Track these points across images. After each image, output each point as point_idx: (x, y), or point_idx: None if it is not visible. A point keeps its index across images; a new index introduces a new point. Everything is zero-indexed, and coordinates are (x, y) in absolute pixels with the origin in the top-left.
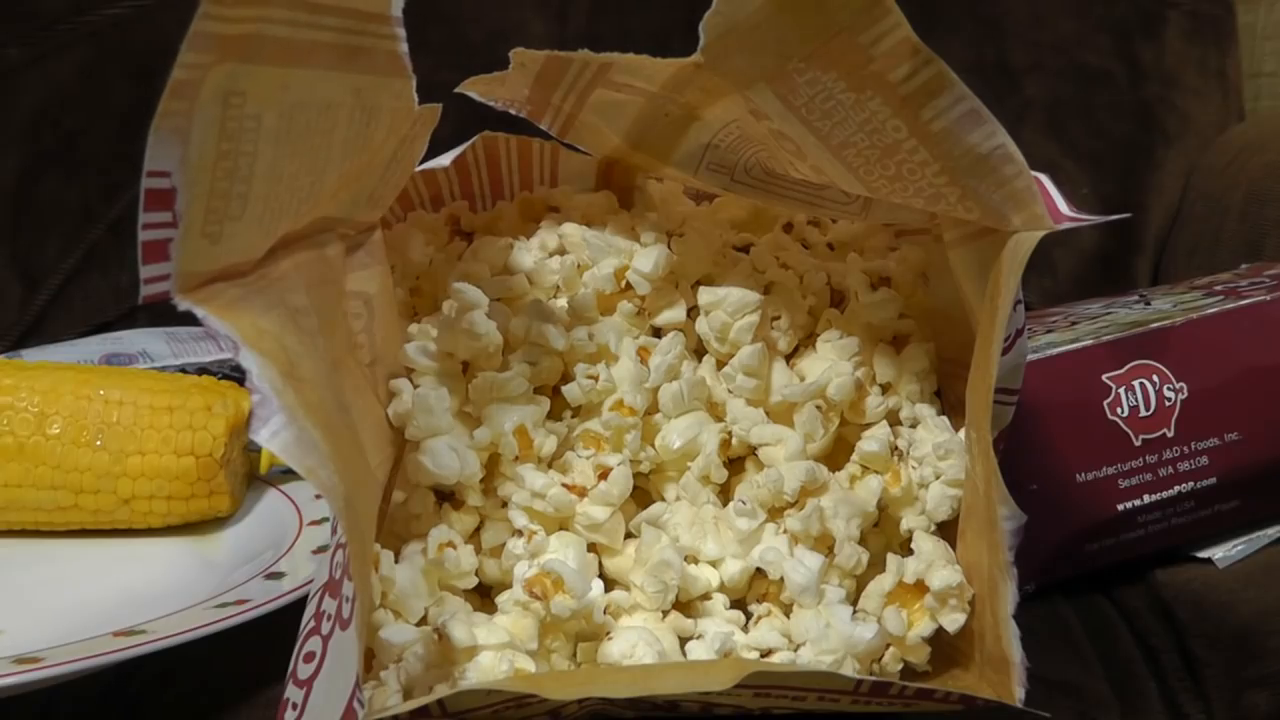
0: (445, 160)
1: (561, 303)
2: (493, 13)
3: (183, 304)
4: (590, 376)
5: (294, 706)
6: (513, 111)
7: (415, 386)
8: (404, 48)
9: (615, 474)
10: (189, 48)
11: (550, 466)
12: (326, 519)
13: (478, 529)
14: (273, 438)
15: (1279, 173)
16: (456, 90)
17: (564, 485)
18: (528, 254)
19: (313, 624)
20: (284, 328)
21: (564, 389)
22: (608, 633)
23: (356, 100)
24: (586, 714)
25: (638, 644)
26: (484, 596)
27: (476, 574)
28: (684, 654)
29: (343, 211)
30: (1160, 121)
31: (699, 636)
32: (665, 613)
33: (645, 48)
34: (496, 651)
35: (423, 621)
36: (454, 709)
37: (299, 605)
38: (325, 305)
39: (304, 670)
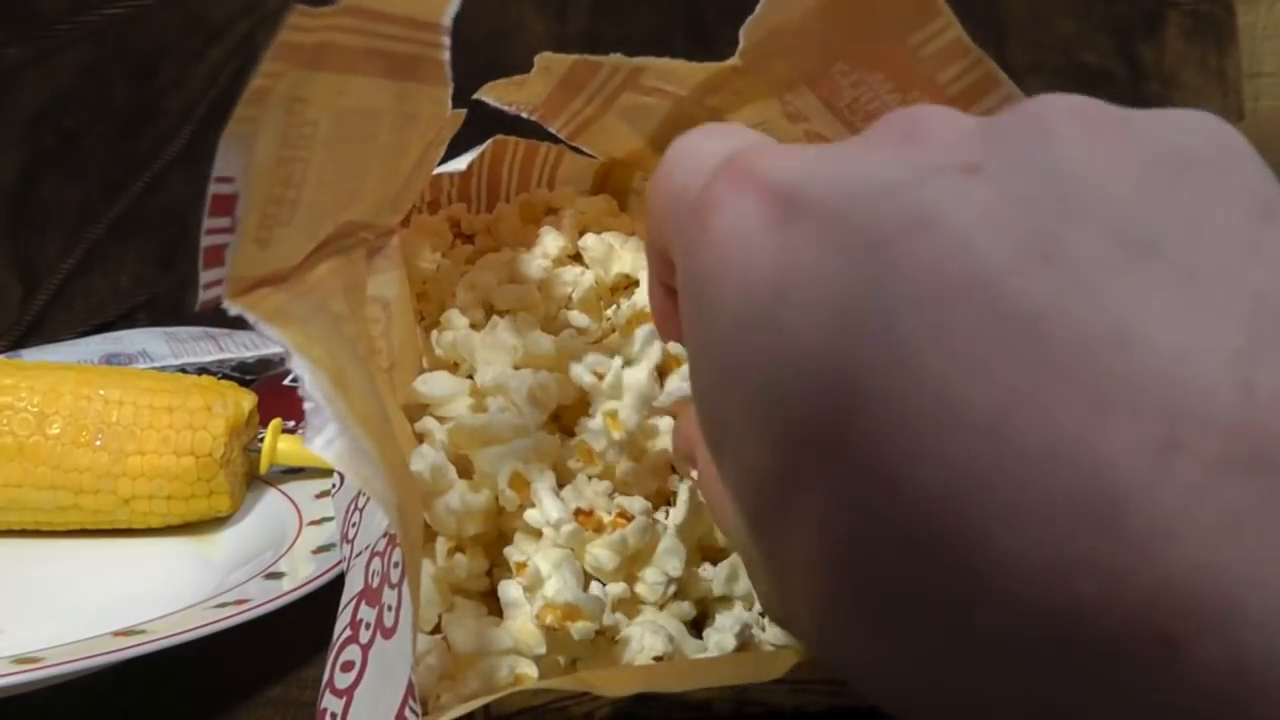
0: (461, 164)
1: (580, 318)
2: (493, 12)
3: (234, 308)
4: (596, 374)
5: (333, 716)
6: (524, 115)
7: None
8: (447, 55)
9: (636, 524)
10: (272, 57)
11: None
12: (327, 519)
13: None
14: (327, 446)
15: (1279, 172)
16: (475, 97)
17: (578, 515)
18: (535, 264)
19: (349, 633)
20: (329, 334)
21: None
22: (617, 630)
23: (399, 107)
24: (610, 713)
25: (647, 636)
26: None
27: (488, 575)
28: (702, 641)
29: (369, 216)
30: None
31: (713, 625)
32: (663, 606)
33: (645, 47)
34: (499, 657)
35: (435, 630)
36: (499, 712)
37: (299, 605)
38: (356, 311)
39: (342, 679)
